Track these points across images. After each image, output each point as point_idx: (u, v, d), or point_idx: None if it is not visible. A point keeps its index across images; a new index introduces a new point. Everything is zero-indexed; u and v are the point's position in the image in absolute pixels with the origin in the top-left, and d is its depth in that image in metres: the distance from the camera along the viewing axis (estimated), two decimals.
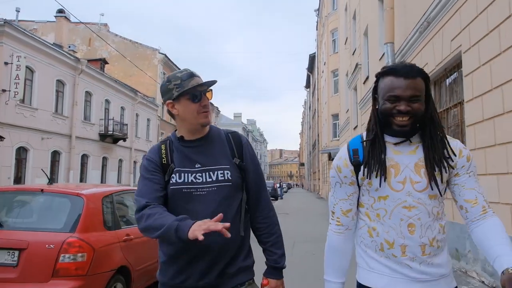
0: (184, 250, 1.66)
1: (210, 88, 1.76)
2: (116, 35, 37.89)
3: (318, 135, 41.29)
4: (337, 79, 29.15)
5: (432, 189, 1.46)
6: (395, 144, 1.52)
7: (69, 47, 28.28)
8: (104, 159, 27.14)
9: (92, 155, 25.35)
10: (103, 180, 26.39)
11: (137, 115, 31.93)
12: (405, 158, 1.51)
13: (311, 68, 48.23)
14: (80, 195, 3.70)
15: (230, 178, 1.72)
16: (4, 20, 17.76)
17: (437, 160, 1.47)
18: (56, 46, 22.06)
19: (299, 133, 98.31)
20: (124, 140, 28.66)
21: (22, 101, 18.71)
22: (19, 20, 31.89)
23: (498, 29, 4.73)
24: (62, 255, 3.20)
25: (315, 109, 45.49)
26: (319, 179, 40.05)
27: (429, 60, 7.18)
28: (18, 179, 19.06)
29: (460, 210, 1.51)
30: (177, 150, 1.77)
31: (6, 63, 17.74)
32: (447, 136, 1.54)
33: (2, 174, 17.77)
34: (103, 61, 29.09)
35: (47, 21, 35.16)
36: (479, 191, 1.50)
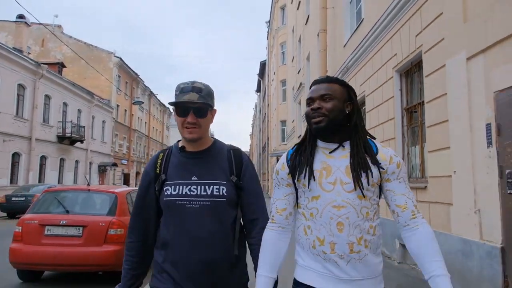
0: (173, 265, 1.68)
1: (201, 105, 1.70)
2: (71, 37, 38.15)
3: (268, 138, 43.82)
4: (285, 89, 31.74)
5: (361, 190, 1.51)
6: (330, 151, 1.58)
7: (21, 48, 28.67)
8: (62, 160, 27.96)
9: (50, 156, 26.17)
10: (60, 180, 27.18)
11: (93, 117, 32.77)
12: (337, 162, 1.56)
13: (262, 74, 50.77)
14: (114, 192, 5.72)
15: (225, 194, 1.69)
16: None
17: (361, 165, 1.52)
18: (16, 51, 22.80)
19: (250, 135, 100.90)
20: (81, 142, 29.59)
21: None
22: None
23: (369, 83, 7.28)
24: (109, 229, 5.21)
25: (265, 114, 48.04)
26: (268, 180, 42.65)
27: None
28: None
29: (392, 214, 1.57)
30: (176, 160, 1.77)
31: None
32: (380, 144, 1.61)
33: None
34: (61, 65, 29.79)
35: None
36: (408, 197, 1.55)
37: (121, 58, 38.35)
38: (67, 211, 5.48)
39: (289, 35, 26.87)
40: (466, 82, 4.50)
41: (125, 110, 40.70)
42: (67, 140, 27.74)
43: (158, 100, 53.70)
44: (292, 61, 23.66)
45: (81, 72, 34.68)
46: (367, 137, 1.62)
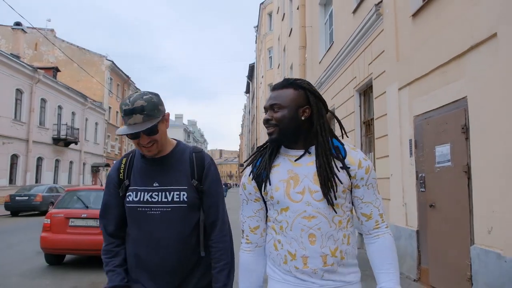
0: (138, 263, 1.70)
1: (149, 127, 1.60)
2: (63, 40, 38.94)
3: (256, 139, 45.17)
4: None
5: (332, 199, 1.43)
6: (296, 159, 1.50)
7: (11, 49, 29.53)
8: (57, 161, 29.03)
9: (46, 157, 27.24)
10: (55, 181, 28.23)
11: (86, 119, 33.82)
12: (304, 169, 1.48)
13: (251, 76, 52.09)
14: None
15: (185, 199, 1.67)
16: None
17: (327, 171, 1.44)
18: (14, 57, 23.83)
19: (239, 135, 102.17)
20: (76, 143, 30.66)
21: None
22: None
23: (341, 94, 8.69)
24: None
25: (254, 115, 49.38)
26: None
27: None
28: None
29: (358, 221, 1.53)
30: (139, 165, 1.76)
31: None
32: (349, 145, 1.54)
33: None
34: (56, 69, 30.79)
35: None
36: (375, 205, 1.50)
37: (113, 62, 39.35)
38: (87, 207, 6.79)
39: (275, 42, 28.27)
40: (398, 107, 5.93)
41: (117, 112, 41.71)
42: (62, 142, 28.82)
43: None
44: (278, 67, 25.08)
45: (74, 75, 35.58)
46: (330, 139, 1.51)
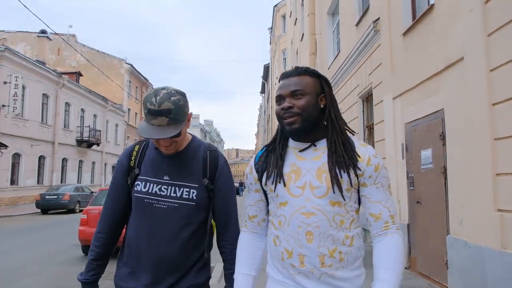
0: (138, 256, 1.66)
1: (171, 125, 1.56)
2: (84, 45, 40.40)
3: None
4: None
5: (334, 194, 1.35)
6: (300, 150, 1.44)
7: (37, 55, 31.02)
8: (80, 162, 30.38)
9: (71, 158, 28.58)
10: (79, 180, 29.56)
11: (107, 121, 35.16)
12: (308, 164, 1.41)
13: (266, 77, 52.82)
14: None
15: (194, 198, 1.65)
16: (5, 46, 20.92)
17: (340, 163, 1.36)
18: (40, 63, 25.16)
19: (255, 134, 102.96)
20: (97, 144, 32.00)
21: (18, 114, 21.90)
22: None
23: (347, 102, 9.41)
24: None
25: (269, 115, 50.14)
26: None
27: None
28: (13, 180, 22.21)
29: (366, 222, 1.44)
30: (151, 155, 1.72)
31: (5, 82, 20.92)
32: (358, 141, 1.46)
33: (2, 177, 20.95)
34: (78, 74, 32.16)
35: (17, 31, 37.46)
36: (385, 205, 1.39)
37: (131, 65, 40.62)
38: None
39: (288, 44, 28.98)
40: (392, 114, 6.65)
41: (136, 114, 43.06)
42: (85, 143, 30.16)
43: None
44: None
45: (95, 78, 36.91)
46: (346, 131, 1.45)
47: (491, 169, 3.89)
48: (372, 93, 7.96)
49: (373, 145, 8.07)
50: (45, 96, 25.43)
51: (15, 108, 21.22)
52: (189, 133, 1.79)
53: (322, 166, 1.41)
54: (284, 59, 35.47)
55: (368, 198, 1.41)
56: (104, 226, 1.75)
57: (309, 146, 1.44)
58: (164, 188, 1.66)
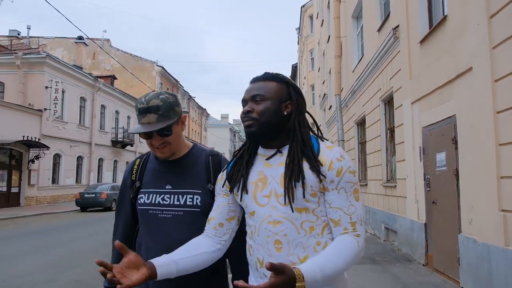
0: None
1: (163, 127, 1.56)
2: (118, 49, 41.96)
3: None
4: (314, 93, 34.06)
5: (291, 203, 1.30)
6: (267, 158, 1.41)
7: (75, 61, 32.55)
8: (115, 162, 31.73)
9: (106, 159, 29.92)
10: (114, 179, 30.87)
11: None
12: (273, 170, 1.38)
13: (293, 76, 53.05)
14: None
15: (199, 204, 1.62)
16: (46, 53, 22.24)
17: (293, 173, 1.32)
18: (77, 68, 26.49)
19: None
20: (131, 145, 33.28)
21: (59, 117, 23.23)
22: (30, 36, 36.28)
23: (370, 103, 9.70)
24: None
25: None
26: None
27: (357, 110, 12.14)
28: (54, 180, 23.56)
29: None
30: (152, 167, 1.72)
31: (46, 87, 22.23)
32: (326, 144, 1.40)
33: (44, 176, 22.29)
34: (113, 77, 33.53)
35: (55, 37, 39.40)
36: (346, 212, 1.31)
37: (163, 67, 41.87)
38: None
39: (315, 45, 29.18)
40: (411, 118, 6.95)
41: None
42: (119, 144, 31.46)
43: (197, 103, 57.20)
44: (318, 70, 26.04)
45: (128, 81, 38.24)
46: (310, 136, 1.41)
47: (495, 172, 4.19)
48: (393, 97, 8.25)
49: (393, 147, 8.37)
50: (82, 99, 26.75)
51: (55, 111, 22.51)
52: (191, 141, 1.81)
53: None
54: (312, 59, 35.64)
55: (329, 204, 1.34)
56: (119, 233, 1.78)
57: (275, 153, 1.41)
58: (167, 197, 1.65)
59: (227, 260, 1.70)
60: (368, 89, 10.44)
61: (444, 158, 5.60)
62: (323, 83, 22.35)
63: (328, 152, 1.36)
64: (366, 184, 10.83)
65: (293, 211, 1.32)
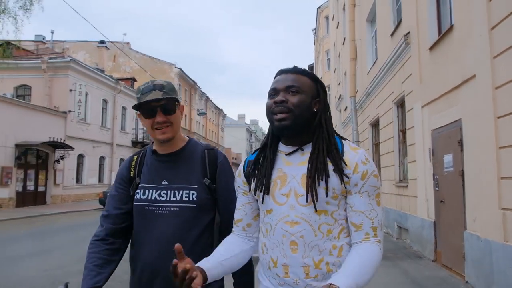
0: (139, 274, 1.63)
1: (166, 102, 1.59)
2: (137, 52, 42.91)
3: None
4: (330, 93, 34.27)
5: (314, 203, 1.29)
6: (288, 154, 1.39)
7: (97, 65, 33.54)
8: None
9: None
10: None
11: None
12: (294, 169, 1.36)
13: None
14: None
15: (195, 199, 1.59)
16: (71, 58, 23.12)
17: (319, 171, 1.29)
18: (99, 71, 27.37)
19: None
20: None
21: (82, 119, 24.10)
22: (53, 41, 37.48)
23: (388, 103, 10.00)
24: None
25: None
26: None
27: (371, 111, 12.43)
28: (77, 179, 24.45)
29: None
30: (149, 163, 1.70)
31: (70, 90, 23.09)
32: (350, 145, 1.38)
33: (69, 175, 23.16)
34: (133, 79, 34.41)
35: (77, 41, 40.56)
36: (368, 216, 1.30)
37: (181, 69, 42.68)
38: None
39: (331, 46, 29.42)
40: (421, 121, 7.26)
41: (185, 115, 45.06)
42: (139, 144, 32.26)
43: (214, 103, 57.92)
44: (334, 72, 26.28)
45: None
46: (335, 136, 1.39)
47: (496, 173, 4.51)
48: (404, 100, 8.55)
49: (405, 149, 8.67)
50: (104, 101, 27.63)
51: (79, 113, 23.38)
52: (186, 136, 1.79)
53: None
54: (328, 60, 35.84)
55: (351, 207, 1.32)
56: (104, 234, 1.67)
57: (296, 150, 1.38)
58: (164, 193, 1.63)
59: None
60: (382, 92, 10.73)
61: (451, 159, 5.91)
62: (338, 84, 22.61)
63: (353, 154, 1.34)
64: (380, 184, 11.10)
65: (316, 210, 1.30)
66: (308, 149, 1.38)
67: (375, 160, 12.37)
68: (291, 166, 1.38)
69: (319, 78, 1.45)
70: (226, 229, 1.61)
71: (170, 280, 1.39)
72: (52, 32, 38.99)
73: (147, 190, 1.65)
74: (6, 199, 18.79)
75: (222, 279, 1.60)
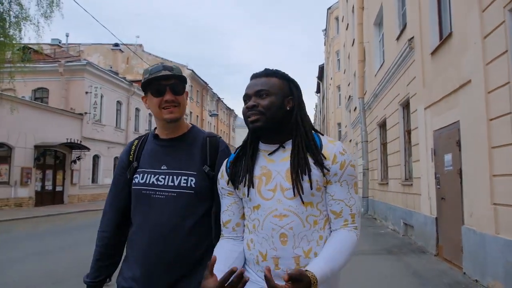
0: (135, 261, 1.60)
1: (176, 82, 1.62)
2: (150, 54, 43.65)
3: None
4: (340, 93, 34.53)
5: (303, 194, 1.36)
6: (270, 153, 1.45)
7: (111, 67, 34.34)
8: None
9: None
10: None
11: None
12: (277, 165, 1.42)
13: (320, 77, 53.43)
14: None
15: (193, 186, 1.58)
16: (87, 61, 23.83)
17: (301, 166, 1.37)
18: (114, 74, 28.07)
19: None
20: None
21: (97, 120, 24.81)
22: (68, 44, 38.37)
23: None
24: None
25: (324, 115, 50.74)
26: None
27: (379, 112, 12.76)
28: (93, 179, 25.16)
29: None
30: (149, 147, 1.70)
31: (86, 93, 23.79)
32: (327, 139, 1.46)
33: (85, 176, 23.88)
34: None
35: (91, 44, 41.45)
36: (347, 203, 1.40)
37: (192, 70, 43.32)
38: None
39: (341, 47, 29.70)
40: (424, 122, 7.62)
41: (197, 116, 45.72)
42: None
43: (225, 104, 58.53)
44: (344, 72, 26.58)
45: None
46: (312, 132, 1.46)
47: (489, 171, 4.88)
48: (409, 102, 8.90)
49: (410, 149, 9.02)
50: (118, 103, 28.33)
51: (95, 115, 24.07)
52: (189, 123, 1.79)
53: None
54: (338, 60, 36.09)
55: (331, 196, 1.41)
56: (106, 224, 1.72)
57: (277, 148, 1.45)
58: (162, 178, 1.62)
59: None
60: (388, 94, 11.08)
61: (451, 158, 6.27)
62: (348, 85, 22.93)
63: (331, 146, 1.42)
64: (387, 183, 11.47)
65: (303, 203, 1.37)
66: (289, 146, 1.44)
67: (383, 160, 12.71)
68: (274, 163, 1.44)
69: (290, 76, 1.51)
70: (218, 220, 1.63)
71: (163, 265, 1.52)
72: (67, 35, 40.02)
73: (145, 175, 1.64)
74: (26, 199, 19.53)
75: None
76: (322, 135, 1.51)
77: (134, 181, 1.65)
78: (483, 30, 4.98)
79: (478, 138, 5.16)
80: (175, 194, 1.59)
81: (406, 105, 9.53)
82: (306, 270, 1.21)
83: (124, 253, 1.74)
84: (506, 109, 4.47)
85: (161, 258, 1.54)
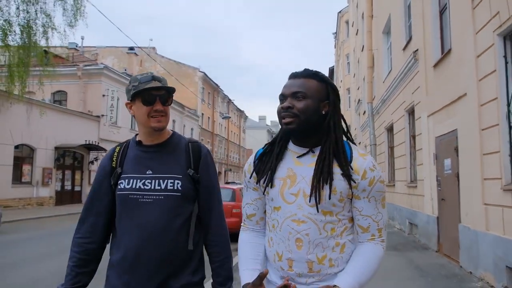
0: (122, 261, 1.62)
1: (165, 93, 1.66)
2: (163, 56, 44.57)
3: None
4: (350, 96, 35.03)
5: (324, 203, 1.36)
6: (299, 156, 1.45)
7: (125, 69, 35.28)
8: None
9: None
10: None
11: (184, 125, 38.80)
12: (304, 170, 1.42)
13: (330, 79, 53.76)
14: (233, 188, 10.15)
15: (179, 188, 1.63)
16: (104, 65, 24.73)
17: (324, 174, 1.36)
18: (128, 76, 28.95)
19: None
20: None
21: (114, 122, 25.71)
22: (84, 46, 39.45)
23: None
24: (233, 209, 9.60)
25: None
26: None
27: (386, 117, 13.36)
28: None
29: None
30: (132, 154, 1.72)
31: (103, 95, 24.69)
32: (359, 151, 1.44)
33: None
34: None
35: (106, 47, 42.51)
36: (375, 219, 1.40)
37: (204, 73, 44.12)
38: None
39: (351, 51, 30.25)
40: (427, 129, 8.23)
41: (208, 118, 46.54)
42: None
43: (236, 106, 59.30)
44: (353, 76, 27.15)
45: (172, 86, 40.67)
46: (343, 140, 1.45)
47: (480, 175, 5.50)
48: (414, 109, 9.51)
49: (415, 153, 9.64)
50: None
51: (111, 117, 24.98)
52: (170, 129, 1.82)
53: None
54: (348, 63, 36.59)
55: (359, 211, 1.41)
56: (86, 231, 1.71)
57: (307, 152, 1.44)
58: (148, 182, 1.64)
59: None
60: (396, 100, 11.68)
61: (450, 163, 6.89)
62: (358, 89, 23.51)
63: (361, 161, 1.40)
64: (394, 185, 12.07)
65: (318, 211, 1.37)
66: (318, 152, 1.43)
67: (390, 162, 13.30)
68: (302, 167, 1.43)
69: (329, 79, 1.49)
70: (208, 220, 1.71)
71: (152, 266, 1.57)
72: (82, 38, 41.27)
73: (131, 180, 1.66)
74: (47, 198, 20.45)
75: (203, 270, 1.73)
76: (355, 144, 1.51)
77: (119, 187, 1.67)
78: (476, 50, 5.60)
79: (472, 145, 5.77)
80: (162, 197, 1.63)
81: (411, 112, 10.14)
82: (335, 286, 1.28)
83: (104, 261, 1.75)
84: (494, 121, 5.08)
85: (150, 259, 1.59)
